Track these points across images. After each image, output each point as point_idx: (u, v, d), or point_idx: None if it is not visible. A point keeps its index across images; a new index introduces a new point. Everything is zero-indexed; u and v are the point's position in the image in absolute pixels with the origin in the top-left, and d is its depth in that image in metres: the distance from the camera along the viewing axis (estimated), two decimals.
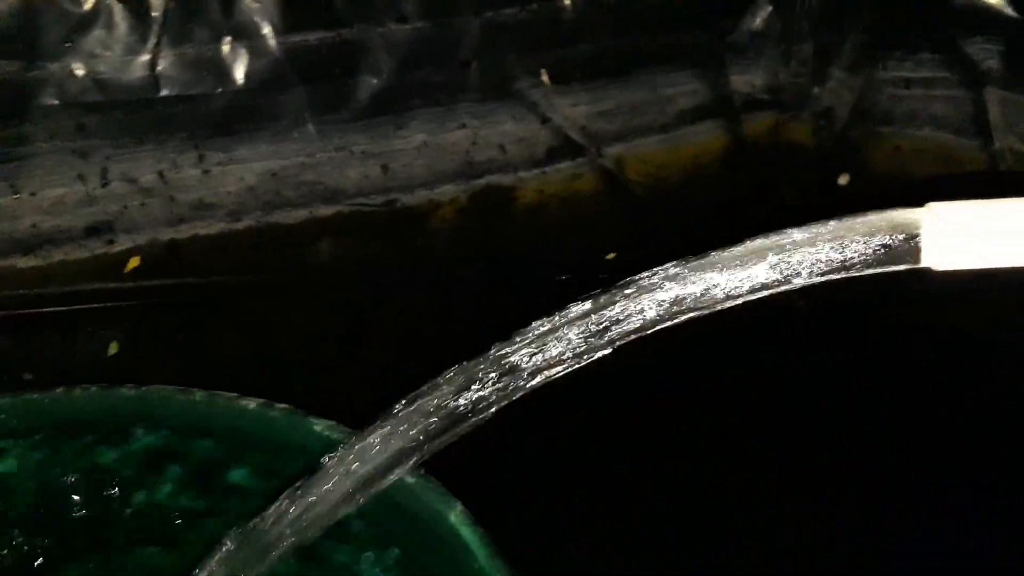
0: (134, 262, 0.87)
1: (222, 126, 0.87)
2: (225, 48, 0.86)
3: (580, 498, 0.78)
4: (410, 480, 0.52)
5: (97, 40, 0.83)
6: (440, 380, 0.43)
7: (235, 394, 0.57)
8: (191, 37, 0.85)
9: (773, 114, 1.02)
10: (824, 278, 0.41)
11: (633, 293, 0.41)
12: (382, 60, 0.89)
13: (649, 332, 0.42)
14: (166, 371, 0.83)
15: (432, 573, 0.53)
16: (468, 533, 0.51)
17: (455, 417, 0.43)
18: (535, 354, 0.42)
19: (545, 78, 0.95)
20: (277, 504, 0.46)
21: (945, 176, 0.95)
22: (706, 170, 1.00)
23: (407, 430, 0.43)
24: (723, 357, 0.85)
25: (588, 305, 0.42)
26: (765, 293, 0.41)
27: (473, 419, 0.43)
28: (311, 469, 0.45)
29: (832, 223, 0.41)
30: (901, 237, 0.40)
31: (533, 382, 0.42)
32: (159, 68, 0.84)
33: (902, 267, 0.40)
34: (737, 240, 0.41)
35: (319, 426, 0.55)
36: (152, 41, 0.84)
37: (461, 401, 0.43)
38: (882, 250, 0.40)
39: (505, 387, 0.42)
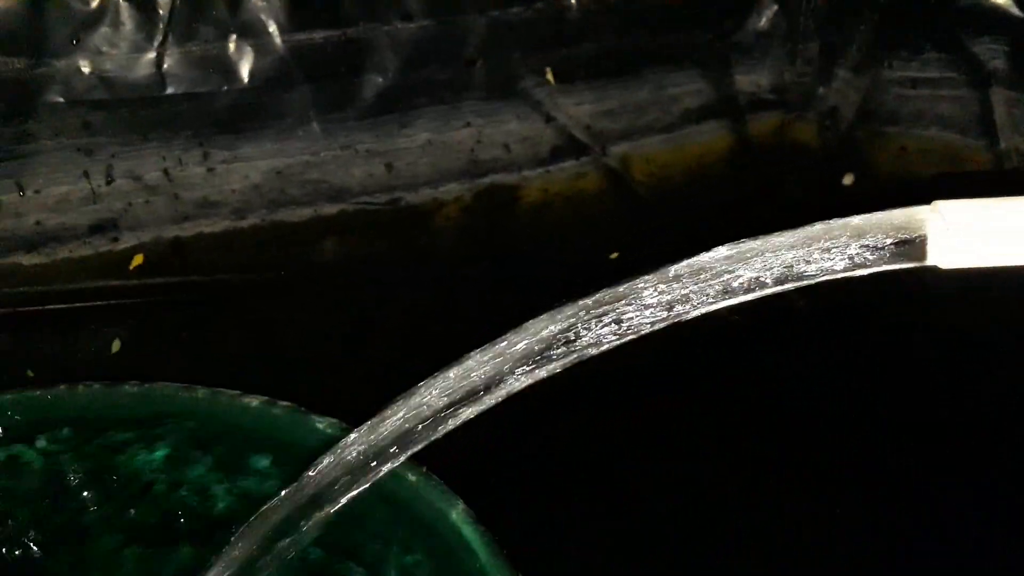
0: (138, 260, 0.87)
1: (227, 124, 0.87)
2: (231, 46, 0.86)
3: (581, 497, 0.78)
4: (412, 477, 0.52)
5: (103, 38, 0.83)
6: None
7: (238, 392, 0.57)
8: (197, 35, 0.85)
9: (778, 114, 1.02)
10: (831, 276, 0.41)
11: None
12: (387, 59, 0.89)
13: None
14: (170, 369, 0.83)
15: (432, 572, 0.53)
16: (469, 531, 0.51)
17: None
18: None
19: (550, 77, 0.94)
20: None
21: (951, 176, 0.94)
22: (711, 170, 1.00)
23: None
24: (723, 357, 0.85)
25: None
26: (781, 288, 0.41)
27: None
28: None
29: (839, 221, 0.41)
30: (907, 236, 0.40)
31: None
32: (165, 66, 0.84)
33: (908, 265, 0.40)
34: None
35: (322, 424, 0.55)
36: (158, 39, 0.84)
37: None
38: (888, 248, 0.40)
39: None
